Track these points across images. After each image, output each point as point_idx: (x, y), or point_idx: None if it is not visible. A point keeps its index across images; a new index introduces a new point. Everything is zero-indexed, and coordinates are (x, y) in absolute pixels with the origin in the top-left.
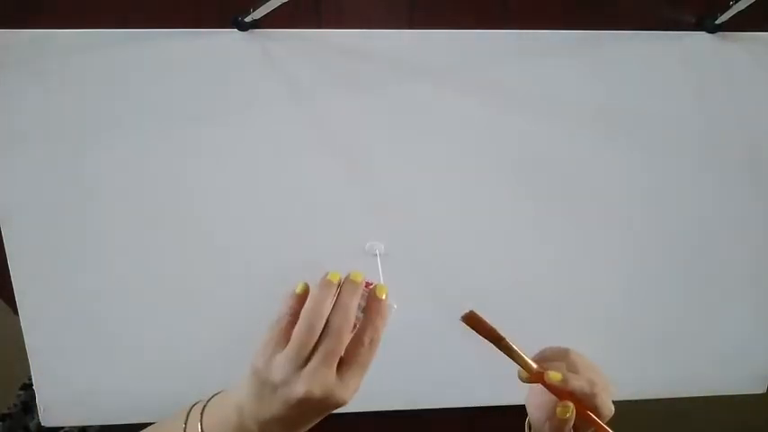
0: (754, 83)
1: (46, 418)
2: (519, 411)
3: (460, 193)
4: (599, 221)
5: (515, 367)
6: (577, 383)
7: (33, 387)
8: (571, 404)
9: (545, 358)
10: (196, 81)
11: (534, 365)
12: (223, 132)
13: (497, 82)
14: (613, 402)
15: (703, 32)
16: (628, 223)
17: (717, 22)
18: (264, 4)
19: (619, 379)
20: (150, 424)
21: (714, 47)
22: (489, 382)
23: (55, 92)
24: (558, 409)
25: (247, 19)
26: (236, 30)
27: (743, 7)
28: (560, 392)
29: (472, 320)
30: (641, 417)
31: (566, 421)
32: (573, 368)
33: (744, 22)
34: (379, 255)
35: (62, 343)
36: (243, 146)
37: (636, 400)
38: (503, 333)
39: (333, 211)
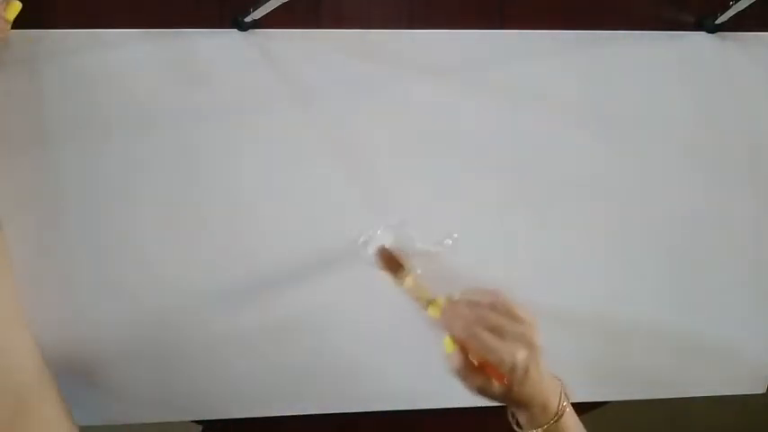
0: (754, 83)
1: None
2: None
3: (460, 192)
4: (599, 221)
5: None
6: (454, 322)
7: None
8: (447, 339)
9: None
10: (196, 81)
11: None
12: (223, 132)
13: (497, 82)
14: (613, 402)
15: (703, 32)
16: (627, 224)
17: (717, 22)
18: (264, 4)
19: (619, 379)
20: (151, 425)
21: (714, 47)
22: None
23: (55, 92)
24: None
25: (247, 19)
26: (236, 30)
27: (743, 7)
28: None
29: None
30: (641, 417)
31: (457, 366)
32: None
33: (744, 22)
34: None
35: (61, 344)
36: (242, 146)
37: (636, 401)
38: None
39: (332, 211)
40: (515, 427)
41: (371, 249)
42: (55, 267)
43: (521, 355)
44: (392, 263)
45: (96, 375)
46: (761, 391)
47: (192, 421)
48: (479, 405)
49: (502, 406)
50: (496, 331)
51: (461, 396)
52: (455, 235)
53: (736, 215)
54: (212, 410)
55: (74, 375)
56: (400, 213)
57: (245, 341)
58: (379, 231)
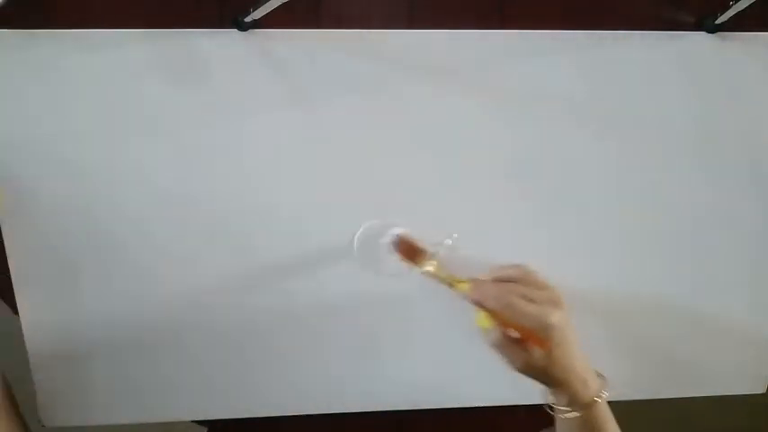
0: (754, 83)
1: (46, 419)
2: (520, 411)
3: (460, 192)
4: (598, 221)
5: None
6: (486, 294)
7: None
8: (483, 312)
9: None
10: (196, 81)
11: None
12: (222, 132)
13: (497, 82)
14: (613, 402)
15: (703, 32)
16: (627, 223)
17: (717, 22)
18: (264, 4)
19: (618, 379)
20: (153, 425)
21: (714, 47)
22: (491, 383)
23: (55, 92)
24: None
25: (247, 19)
26: (236, 30)
27: (743, 7)
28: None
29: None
30: (641, 417)
31: (497, 340)
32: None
33: (744, 22)
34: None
35: (62, 343)
36: (242, 146)
37: (636, 401)
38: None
39: (332, 210)
40: (553, 413)
41: (359, 242)
42: (55, 267)
43: (555, 315)
44: (411, 251)
45: (98, 375)
46: (761, 391)
47: (197, 422)
48: (480, 405)
49: (502, 406)
50: (527, 298)
51: (461, 396)
52: (455, 235)
53: (736, 215)
54: (213, 410)
55: (76, 375)
56: (400, 213)
57: (246, 341)
58: (361, 229)
